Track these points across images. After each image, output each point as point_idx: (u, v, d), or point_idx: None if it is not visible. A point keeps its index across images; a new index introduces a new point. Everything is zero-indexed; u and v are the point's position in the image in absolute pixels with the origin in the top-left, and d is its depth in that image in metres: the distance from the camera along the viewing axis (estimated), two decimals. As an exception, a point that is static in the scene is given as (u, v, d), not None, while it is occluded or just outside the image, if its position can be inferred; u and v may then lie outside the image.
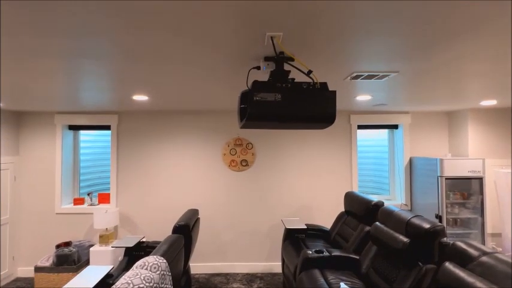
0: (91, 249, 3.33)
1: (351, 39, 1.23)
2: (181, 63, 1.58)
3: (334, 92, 1.18)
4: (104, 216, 3.36)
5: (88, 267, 2.50)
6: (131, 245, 3.04)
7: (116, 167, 3.70)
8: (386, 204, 2.59)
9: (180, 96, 2.59)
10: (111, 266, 2.48)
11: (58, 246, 3.49)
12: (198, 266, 3.69)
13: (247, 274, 3.64)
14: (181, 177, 3.72)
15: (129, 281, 1.46)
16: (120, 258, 3.39)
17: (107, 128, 3.77)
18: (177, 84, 2.10)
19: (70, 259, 3.30)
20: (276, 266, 3.68)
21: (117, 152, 3.71)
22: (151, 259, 1.74)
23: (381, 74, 1.79)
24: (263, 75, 1.69)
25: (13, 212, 3.56)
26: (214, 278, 3.53)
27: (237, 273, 3.66)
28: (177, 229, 2.54)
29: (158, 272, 1.65)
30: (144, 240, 3.29)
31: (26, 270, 3.62)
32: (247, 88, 1.39)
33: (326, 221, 3.70)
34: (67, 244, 3.53)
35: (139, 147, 3.72)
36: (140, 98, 2.61)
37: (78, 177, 3.94)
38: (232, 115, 3.73)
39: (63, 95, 2.54)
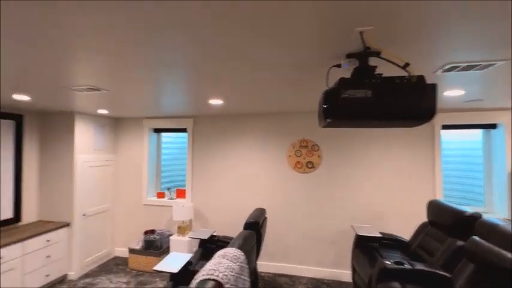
0: (171, 238, 3.74)
1: (447, 26, 1.10)
2: (258, 66, 1.66)
3: (434, 86, 1.08)
4: (181, 209, 3.75)
5: (171, 253, 2.81)
6: (205, 237, 3.31)
7: (191, 166, 4.09)
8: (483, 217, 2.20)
9: (252, 99, 2.71)
10: (191, 255, 2.74)
11: (145, 233, 4.04)
12: (263, 265, 3.78)
13: (312, 279, 3.56)
14: (248, 178, 3.89)
15: (215, 268, 1.59)
16: (195, 248, 3.72)
17: (184, 130, 4.21)
18: (251, 88, 2.22)
19: (155, 245, 3.78)
20: (344, 274, 3.50)
21: (192, 152, 4.10)
22: (230, 250, 1.87)
23: (484, 63, 1.55)
24: (342, 74, 1.65)
25: (113, 201, 4.27)
26: (279, 278, 3.56)
27: (302, 277, 3.61)
28: (248, 226, 2.66)
29: (238, 264, 1.76)
30: (215, 234, 3.54)
31: (121, 251, 4.29)
32: (327, 87, 1.38)
33: (401, 230, 3.35)
34: (152, 232, 4.05)
35: (211, 148, 4.04)
36: (216, 102, 2.83)
37: (160, 174, 4.49)
38: (298, 117, 3.73)
39: (150, 103, 2.95)
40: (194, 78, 1.93)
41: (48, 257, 3.28)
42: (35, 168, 3.67)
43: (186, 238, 3.71)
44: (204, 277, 1.53)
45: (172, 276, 2.56)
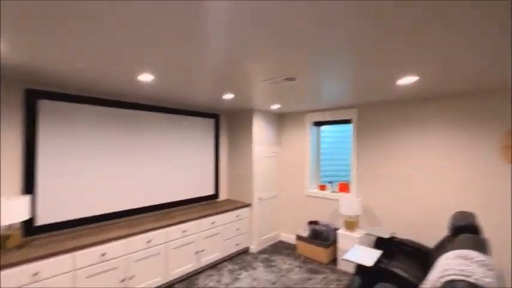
0: (338, 232, 3.65)
1: None
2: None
3: None
4: (348, 204, 3.58)
5: (356, 246, 2.67)
6: (386, 236, 2.97)
7: (356, 159, 3.86)
8: None
9: (459, 69, 2.15)
10: (381, 251, 2.50)
11: (310, 223, 4.16)
12: None
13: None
14: (430, 174, 3.22)
15: (470, 270, 1.27)
16: (366, 245, 3.44)
17: (345, 122, 4.05)
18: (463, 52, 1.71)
19: (322, 236, 3.80)
20: None
21: (356, 144, 3.86)
22: (473, 253, 1.47)
23: None
24: None
25: (278, 190, 4.70)
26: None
27: (531, 317, 2.56)
28: (461, 230, 2.12)
29: (492, 273, 1.35)
30: (395, 235, 3.13)
31: (286, 236, 4.65)
32: None
33: None
34: (315, 222, 4.12)
35: (379, 139, 3.65)
36: (407, 81, 2.45)
37: (319, 167, 4.53)
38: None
39: (320, 93, 2.95)
40: (387, 52, 1.68)
41: (237, 229, 3.98)
42: (225, 157, 4.57)
43: (356, 234, 3.50)
44: (456, 277, 1.25)
45: (360, 270, 2.41)
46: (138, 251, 2.80)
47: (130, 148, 3.25)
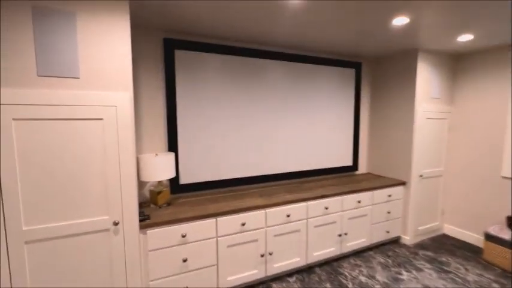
0: None
1: None
2: None
3: None
4: None
5: None
6: None
7: None
8: None
9: None
10: None
11: (511, 220, 2.72)
12: None
13: None
14: None
15: None
16: None
17: None
18: None
19: (547, 245, 2.36)
20: None
21: None
22: None
23: None
24: None
25: (445, 165, 3.34)
26: None
27: None
28: None
29: None
30: None
31: (453, 230, 3.34)
32: None
33: None
34: (524, 220, 2.64)
35: None
36: None
37: (533, 135, 2.83)
38: None
39: None
40: None
41: (388, 212, 3.04)
42: (366, 118, 3.55)
43: None
44: None
45: None
46: (277, 225, 2.37)
47: (257, 105, 2.76)
